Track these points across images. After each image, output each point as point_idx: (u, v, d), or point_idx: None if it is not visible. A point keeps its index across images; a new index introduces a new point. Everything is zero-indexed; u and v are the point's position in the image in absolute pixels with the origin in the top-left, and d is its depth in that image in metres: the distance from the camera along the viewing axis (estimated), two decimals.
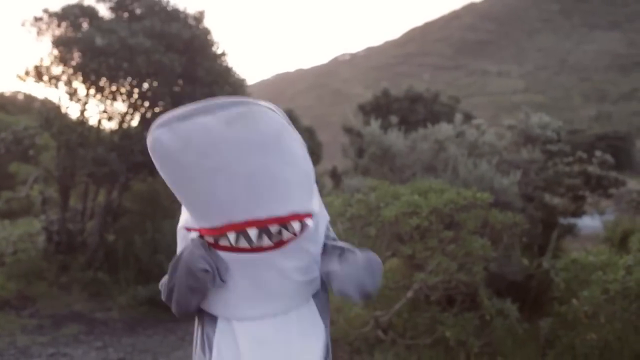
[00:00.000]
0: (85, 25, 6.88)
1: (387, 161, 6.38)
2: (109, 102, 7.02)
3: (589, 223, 9.66)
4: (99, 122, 7.17)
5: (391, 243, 4.00)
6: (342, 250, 1.13)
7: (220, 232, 0.96)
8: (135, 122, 7.43)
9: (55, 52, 6.60)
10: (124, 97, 7.09)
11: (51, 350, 4.86)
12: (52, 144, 7.25)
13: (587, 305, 3.47)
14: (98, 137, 7.02)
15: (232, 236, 0.95)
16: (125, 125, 7.25)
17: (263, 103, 0.91)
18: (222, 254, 1.00)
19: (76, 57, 6.57)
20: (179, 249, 1.08)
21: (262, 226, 0.95)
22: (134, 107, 7.23)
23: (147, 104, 7.27)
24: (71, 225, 7.05)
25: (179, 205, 1.06)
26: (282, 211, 0.95)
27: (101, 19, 7.07)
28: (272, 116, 0.91)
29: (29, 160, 7.76)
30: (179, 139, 0.88)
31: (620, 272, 3.41)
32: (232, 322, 1.05)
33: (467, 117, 10.25)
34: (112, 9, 7.31)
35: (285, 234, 0.99)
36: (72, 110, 7.07)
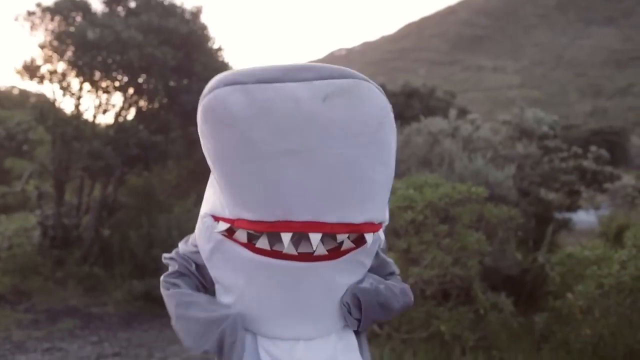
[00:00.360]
0: (78, 19, 6.84)
1: None
2: (104, 96, 7.00)
3: (584, 218, 9.70)
4: (94, 116, 7.15)
5: (386, 237, 4.00)
6: (384, 267, 1.02)
7: (271, 228, 0.74)
8: (130, 116, 7.41)
9: (49, 46, 6.56)
10: (119, 91, 7.07)
11: (47, 345, 4.84)
12: (46, 138, 7.22)
13: (582, 300, 3.49)
14: (93, 131, 6.99)
15: (286, 237, 0.74)
16: (120, 119, 7.23)
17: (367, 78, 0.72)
18: (257, 258, 0.79)
19: (69, 51, 6.54)
20: (200, 241, 0.89)
21: (329, 232, 0.75)
22: (130, 101, 7.21)
23: (142, 98, 7.25)
24: (66, 220, 7.03)
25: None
26: (357, 218, 0.75)
27: (94, 13, 7.03)
28: (379, 97, 0.71)
29: (23, 155, 7.73)
30: (253, 105, 0.67)
31: (614, 267, 3.43)
32: (257, 337, 0.87)
33: (463, 112, 10.29)
34: (105, 3, 7.27)
35: (347, 243, 0.80)
36: (67, 104, 7.04)
